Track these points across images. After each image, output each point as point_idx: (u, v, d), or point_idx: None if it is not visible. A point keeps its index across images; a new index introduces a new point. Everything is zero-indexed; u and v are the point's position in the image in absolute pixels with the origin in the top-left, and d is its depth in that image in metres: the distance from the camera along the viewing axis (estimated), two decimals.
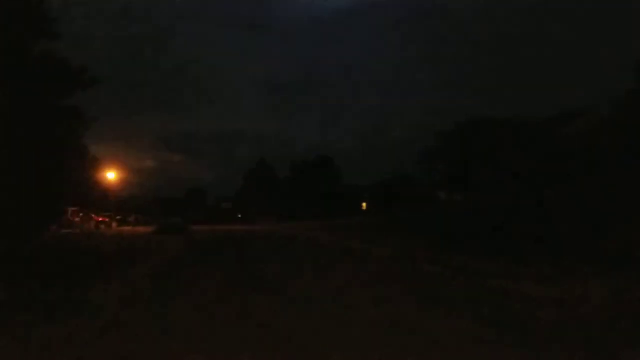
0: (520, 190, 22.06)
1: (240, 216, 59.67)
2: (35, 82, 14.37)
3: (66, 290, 6.44)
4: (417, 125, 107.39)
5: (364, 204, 65.62)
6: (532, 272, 7.34)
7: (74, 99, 16.11)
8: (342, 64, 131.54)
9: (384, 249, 12.42)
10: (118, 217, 48.87)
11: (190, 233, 25.98)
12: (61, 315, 4.89)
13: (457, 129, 29.85)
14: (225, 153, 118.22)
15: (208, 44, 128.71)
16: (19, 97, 14.16)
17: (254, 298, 5.89)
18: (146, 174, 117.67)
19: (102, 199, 51.77)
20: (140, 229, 35.21)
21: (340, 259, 10.80)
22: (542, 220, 12.00)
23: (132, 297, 6.15)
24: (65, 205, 36.59)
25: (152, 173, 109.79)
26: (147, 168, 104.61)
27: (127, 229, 41.58)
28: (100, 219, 42.17)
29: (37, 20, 14.63)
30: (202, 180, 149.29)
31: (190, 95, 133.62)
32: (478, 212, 18.29)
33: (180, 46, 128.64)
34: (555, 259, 8.16)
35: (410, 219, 25.45)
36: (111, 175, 43.29)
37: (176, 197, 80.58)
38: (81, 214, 39.95)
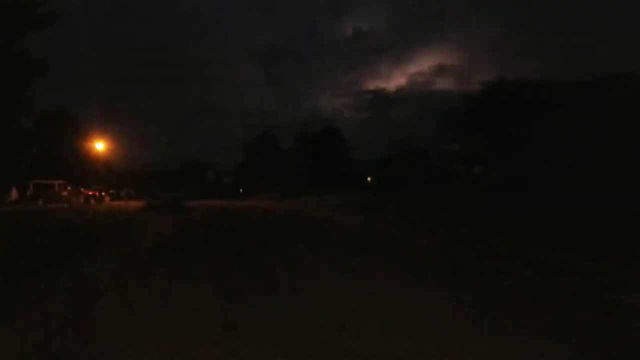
0: (568, 161, 19.30)
1: (241, 191, 57.27)
2: None
3: None
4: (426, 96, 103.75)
5: (369, 179, 63.25)
6: None
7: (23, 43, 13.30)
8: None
9: (424, 237, 9.82)
10: (110, 191, 46.65)
11: (185, 210, 23.54)
12: None
13: (486, 91, 26.53)
14: (225, 127, 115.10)
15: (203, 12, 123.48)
16: None
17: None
18: (145, 148, 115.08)
19: (93, 171, 49.54)
20: (133, 204, 32.89)
21: (384, 250, 8.22)
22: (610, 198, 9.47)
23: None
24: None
25: (152, 147, 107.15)
26: (146, 141, 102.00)
27: (119, 203, 39.39)
28: (90, 193, 39.90)
29: None
30: (202, 154, 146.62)
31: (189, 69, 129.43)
32: (526, 189, 15.70)
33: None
34: None
35: (435, 196, 22.99)
36: (100, 146, 40.65)
37: (174, 170, 78.27)
38: (69, 188, 37.76)
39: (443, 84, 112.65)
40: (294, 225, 14.22)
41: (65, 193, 37.23)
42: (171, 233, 12.18)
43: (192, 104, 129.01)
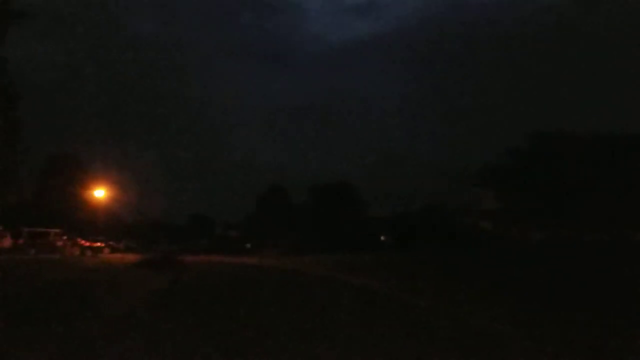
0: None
1: (249, 246, 54.59)
2: None
3: None
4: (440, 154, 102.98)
5: (382, 237, 60.02)
6: None
7: None
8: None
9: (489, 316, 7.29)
10: (110, 243, 44.52)
11: (181, 267, 21.02)
12: None
13: (531, 145, 24.40)
14: (237, 181, 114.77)
15: (219, 73, 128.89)
16: None
17: None
18: (154, 199, 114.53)
19: (96, 221, 47.79)
20: (131, 257, 30.62)
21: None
22: None
23: None
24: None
25: (159, 198, 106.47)
26: (152, 192, 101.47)
27: (117, 256, 37.14)
28: (88, 244, 37.80)
29: None
30: (211, 206, 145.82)
31: (202, 123, 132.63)
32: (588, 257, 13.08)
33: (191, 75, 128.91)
34: None
35: (471, 262, 20.25)
36: (101, 193, 39.12)
37: (180, 223, 76.43)
38: (64, 237, 35.84)
39: None
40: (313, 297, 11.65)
41: (60, 243, 35.32)
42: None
43: (203, 156, 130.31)
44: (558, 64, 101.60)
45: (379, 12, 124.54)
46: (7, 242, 33.84)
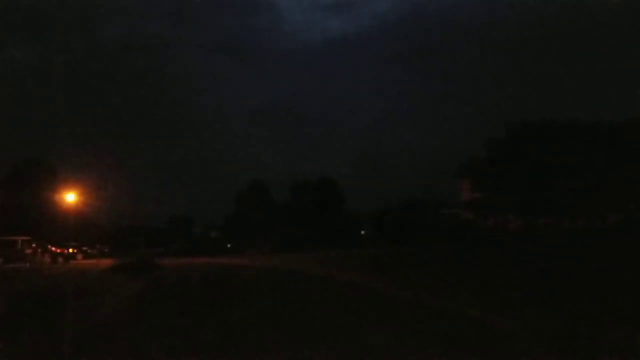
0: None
1: (229, 246, 53.50)
2: None
3: None
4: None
5: (363, 232, 59.93)
6: None
7: None
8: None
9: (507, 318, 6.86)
10: (84, 248, 42.85)
11: (158, 272, 20.08)
12: None
13: (511, 134, 24.39)
14: (215, 181, 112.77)
15: (196, 72, 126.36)
16: None
17: None
18: (131, 202, 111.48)
19: (68, 227, 45.82)
20: (105, 262, 29.33)
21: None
22: None
23: None
24: None
25: (138, 201, 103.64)
26: (129, 195, 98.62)
27: (91, 262, 35.69)
28: (59, 251, 36.17)
29: None
30: (189, 208, 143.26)
31: (177, 123, 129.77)
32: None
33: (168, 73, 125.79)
34: None
35: (454, 253, 20.02)
36: (71, 197, 37.52)
37: (159, 225, 74.58)
38: (33, 245, 34.14)
39: None
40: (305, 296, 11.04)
41: (29, 251, 33.62)
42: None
43: (180, 156, 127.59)
44: (539, 52, 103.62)
45: (355, 8, 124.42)
46: None
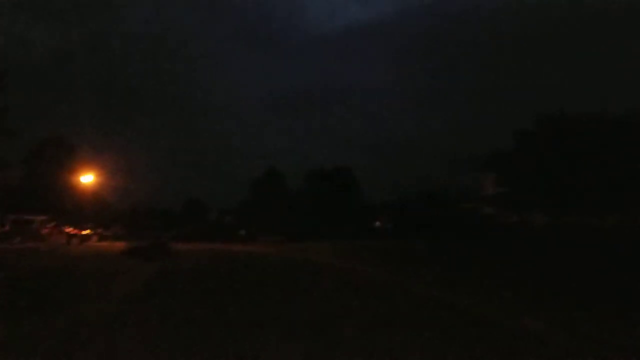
0: None
1: (243, 232, 53.23)
2: None
3: None
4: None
5: (377, 223, 59.05)
6: None
7: None
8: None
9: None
10: (99, 230, 43.12)
11: (172, 256, 19.73)
12: None
13: (538, 127, 23.11)
14: (231, 168, 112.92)
15: (215, 59, 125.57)
16: None
17: None
18: (149, 185, 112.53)
19: (86, 208, 46.13)
20: (119, 245, 29.28)
21: None
22: None
23: None
24: None
25: (156, 184, 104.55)
26: (145, 178, 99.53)
27: (105, 244, 35.79)
28: (75, 232, 36.41)
29: None
30: (206, 192, 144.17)
31: (195, 109, 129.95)
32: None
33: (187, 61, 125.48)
34: None
35: (476, 249, 19.13)
36: (89, 179, 37.61)
37: (173, 209, 74.90)
38: (50, 225, 34.46)
39: None
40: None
41: (46, 231, 33.96)
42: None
43: (199, 141, 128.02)
44: (560, 44, 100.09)
45: None
46: None
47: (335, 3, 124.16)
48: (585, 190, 22.00)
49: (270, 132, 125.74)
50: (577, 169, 22.01)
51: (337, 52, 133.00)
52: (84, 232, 38.36)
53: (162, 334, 5.63)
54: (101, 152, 74.03)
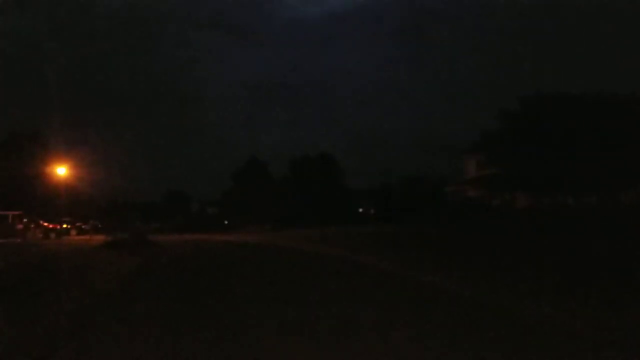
0: None
1: (226, 223, 52.87)
2: None
3: None
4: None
5: (360, 210, 59.49)
6: None
7: None
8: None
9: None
10: (77, 224, 42.17)
11: (153, 248, 19.39)
12: None
13: (524, 107, 23.19)
14: (211, 158, 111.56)
15: (194, 47, 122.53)
16: None
17: None
18: (128, 177, 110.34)
19: (61, 202, 44.88)
20: (98, 238, 28.66)
21: None
22: None
23: None
24: None
25: (135, 176, 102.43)
26: (125, 170, 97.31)
27: (84, 238, 35.03)
28: (52, 226, 35.49)
29: None
30: (187, 183, 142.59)
31: (173, 99, 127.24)
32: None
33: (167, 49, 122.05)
34: None
35: (461, 232, 19.29)
36: (62, 171, 36.52)
37: (154, 201, 73.79)
38: (25, 220, 33.43)
39: None
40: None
41: (20, 226, 32.94)
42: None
43: (178, 132, 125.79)
44: (544, 24, 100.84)
45: None
46: None
47: None
48: (566, 173, 22.23)
49: (252, 122, 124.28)
50: (560, 149, 22.18)
51: (317, 39, 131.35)
52: (61, 227, 37.45)
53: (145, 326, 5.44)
54: (76, 144, 71.93)
